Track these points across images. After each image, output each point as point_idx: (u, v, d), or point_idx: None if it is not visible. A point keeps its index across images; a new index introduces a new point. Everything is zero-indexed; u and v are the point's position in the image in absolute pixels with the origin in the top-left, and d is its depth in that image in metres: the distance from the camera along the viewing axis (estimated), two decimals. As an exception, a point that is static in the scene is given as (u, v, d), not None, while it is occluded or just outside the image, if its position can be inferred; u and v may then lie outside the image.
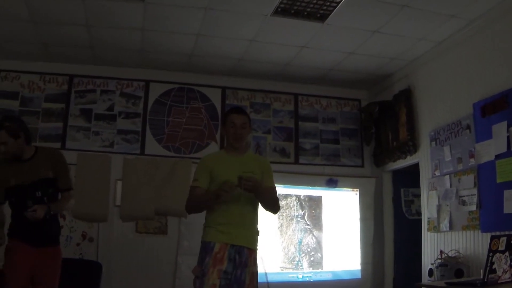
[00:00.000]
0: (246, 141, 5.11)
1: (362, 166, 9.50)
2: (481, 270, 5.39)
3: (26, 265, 5.11)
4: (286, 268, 8.62)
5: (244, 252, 4.68)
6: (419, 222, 7.88)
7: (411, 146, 8.04)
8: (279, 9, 6.66)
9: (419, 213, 8.08)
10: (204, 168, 4.90)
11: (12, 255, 5.13)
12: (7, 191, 5.24)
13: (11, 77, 8.41)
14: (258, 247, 4.92)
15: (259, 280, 4.90)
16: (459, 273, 6.24)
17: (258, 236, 4.95)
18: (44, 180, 5.35)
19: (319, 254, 8.79)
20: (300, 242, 8.76)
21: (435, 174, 7.39)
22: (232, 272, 4.60)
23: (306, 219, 8.88)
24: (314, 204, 9.00)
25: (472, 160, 6.59)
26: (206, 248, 4.70)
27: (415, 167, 8.04)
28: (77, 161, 8.11)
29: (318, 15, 6.79)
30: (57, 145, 8.12)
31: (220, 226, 4.70)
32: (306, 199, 8.99)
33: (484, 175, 6.34)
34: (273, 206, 5.04)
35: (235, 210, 4.68)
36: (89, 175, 8.13)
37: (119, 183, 8.30)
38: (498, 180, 6.10)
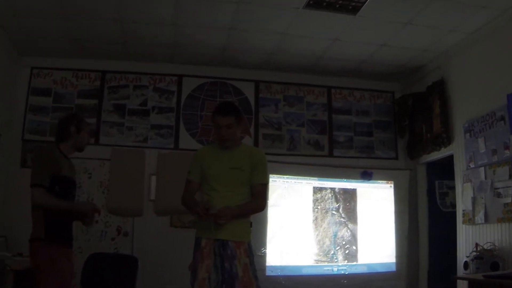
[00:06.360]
0: (238, 136, 5.07)
1: (396, 158, 9.47)
2: (518, 263, 5.38)
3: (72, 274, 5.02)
4: (321, 261, 8.62)
5: (229, 245, 4.69)
6: (453, 214, 7.82)
7: (445, 138, 7.98)
8: (311, 2, 6.65)
9: (453, 206, 8.00)
10: (195, 162, 5.04)
11: (62, 269, 4.73)
12: (55, 178, 4.78)
13: (44, 74, 8.53)
14: (249, 238, 4.93)
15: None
16: (494, 266, 6.19)
17: (249, 227, 5.02)
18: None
19: (354, 247, 8.77)
20: (335, 235, 8.75)
21: (469, 166, 7.32)
22: (221, 266, 4.65)
23: (341, 212, 8.86)
24: (349, 196, 8.97)
25: (507, 151, 6.51)
26: (195, 244, 4.82)
27: (450, 159, 7.97)
28: (111, 156, 8.19)
29: (350, 7, 6.77)
30: (91, 140, 8.19)
31: (205, 222, 4.71)
32: (341, 192, 8.96)
33: (520, 166, 6.27)
34: (256, 211, 5.12)
35: (218, 205, 4.66)
36: (123, 170, 8.20)
37: (153, 178, 8.37)
38: (534, 172, 6.05)
